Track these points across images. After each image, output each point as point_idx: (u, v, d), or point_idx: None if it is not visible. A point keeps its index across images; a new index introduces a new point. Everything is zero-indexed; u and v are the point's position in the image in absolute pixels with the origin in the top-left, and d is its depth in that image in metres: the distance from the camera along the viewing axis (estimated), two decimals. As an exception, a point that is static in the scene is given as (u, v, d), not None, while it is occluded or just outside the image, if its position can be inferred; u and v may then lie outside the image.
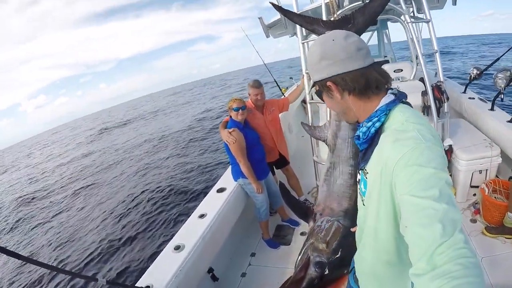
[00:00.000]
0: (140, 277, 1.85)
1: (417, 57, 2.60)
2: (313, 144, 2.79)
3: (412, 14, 2.77)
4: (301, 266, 1.77)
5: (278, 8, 2.15)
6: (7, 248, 1.23)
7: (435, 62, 2.57)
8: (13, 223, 8.58)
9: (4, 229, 8.41)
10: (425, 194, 0.58)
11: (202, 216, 2.34)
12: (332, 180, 2.04)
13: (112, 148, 16.28)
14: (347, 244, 1.88)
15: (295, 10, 2.63)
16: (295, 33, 2.64)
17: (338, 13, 2.22)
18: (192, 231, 2.18)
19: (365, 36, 5.40)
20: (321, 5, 2.36)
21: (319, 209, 2.12)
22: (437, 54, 2.53)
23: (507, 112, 2.88)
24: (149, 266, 1.93)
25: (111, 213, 6.97)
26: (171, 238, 2.18)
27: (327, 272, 1.72)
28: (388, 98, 0.81)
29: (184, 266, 1.87)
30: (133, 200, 7.30)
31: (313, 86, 0.94)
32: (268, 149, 2.90)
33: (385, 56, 5.11)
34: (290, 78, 6.13)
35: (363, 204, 0.89)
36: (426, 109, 2.51)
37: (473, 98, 3.34)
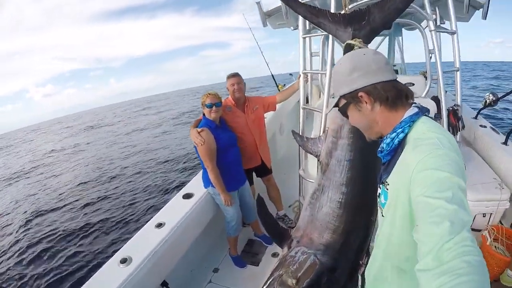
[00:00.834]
0: None
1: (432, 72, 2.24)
2: (301, 155, 2.42)
3: (435, 23, 2.40)
4: None
5: None
6: None
7: (455, 81, 2.23)
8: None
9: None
10: (438, 195, 0.60)
11: (159, 225, 2.01)
12: (317, 206, 1.74)
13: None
14: (318, 286, 1.61)
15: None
16: (297, 26, 2.24)
17: (350, 6, 1.82)
18: (144, 243, 1.85)
19: (375, 42, 5.01)
20: None
21: (297, 235, 1.82)
22: (458, 72, 2.18)
23: None
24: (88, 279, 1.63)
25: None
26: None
27: None
28: (412, 110, 0.83)
29: (130, 281, 1.58)
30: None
31: (339, 100, 0.93)
32: (249, 153, 2.53)
33: (394, 65, 4.73)
34: (290, 74, 5.67)
35: (382, 215, 0.90)
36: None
37: (485, 127, 3.01)
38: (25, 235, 5.60)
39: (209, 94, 2.14)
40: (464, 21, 2.99)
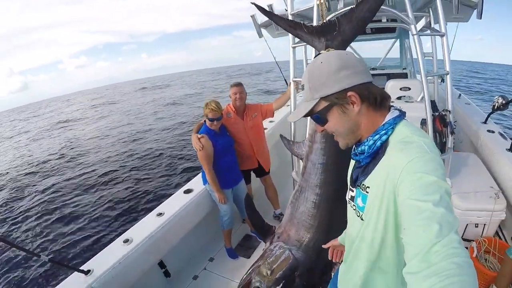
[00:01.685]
0: (84, 262, 1.94)
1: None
2: (293, 158, 2.56)
3: (429, 25, 2.36)
4: (242, 287, 1.73)
5: (262, 10, 1.91)
6: None
7: (445, 85, 2.18)
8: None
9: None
10: (426, 198, 0.60)
11: (160, 214, 2.35)
12: (296, 205, 1.89)
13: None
14: (290, 279, 1.74)
15: (289, 11, 2.35)
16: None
17: (328, 18, 1.92)
18: (145, 227, 2.21)
19: (386, 45, 4.88)
20: (312, 7, 2.06)
21: (279, 231, 2.01)
22: (448, 76, 2.13)
23: None
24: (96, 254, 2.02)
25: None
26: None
27: None
28: (393, 113, 0.82)
29: (129, 256, 1.94)
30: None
31: (317, 103, 0.83)
32: (246, 156, 2.74)
33: (404, 69, 4.54)
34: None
35: (362, 219, 0.86)
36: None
37: (493, 132, 2.84)
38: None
39: (211, 108, 2.31)
40: (463, 21, 2.87)
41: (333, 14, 2.01)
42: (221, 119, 2.42)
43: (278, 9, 2.63)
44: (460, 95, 4.18)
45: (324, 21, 1.81)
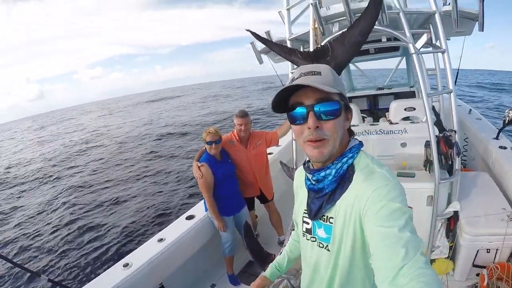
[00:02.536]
0: (83, 284, 1.98)
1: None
2: None
3: (430, 41, 2.29)
4: None
5: (257, 36, 1.90)
6: None
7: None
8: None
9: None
10: (391, 224, 0.63)
11: (160, 240, 2.34)
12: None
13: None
14: None
15: (287, 36, 2.34)
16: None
17: (323, 42, 1.91)
18: (145, 252, 2.21)
19: (392, 62, 4.80)
20: (308, 32, 2.04)
21: None
22: (451, 94, 2.05)
23: None
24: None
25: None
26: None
27: None
28: (355, 141, 0.84)
29: (128, 280, 1.95)
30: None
31: (339, 95, 0.78)
32: (248, 184, 2.71)
33: (411, 87, 4.42)
34: None
35: (328, 250, 0.85)
36: (428, 163, 2.07)
37: (505, 148, 2.72)
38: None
39: (209, 132, 2.33)
40: (466, 35, 2.79)
41: (327, 39, 1.99)
42: (220, 143, 2.39)
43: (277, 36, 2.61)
44: (470, 110, 4.06)
45: (318, 46, 1.79)
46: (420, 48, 2.41)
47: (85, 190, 8.61)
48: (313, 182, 0.84)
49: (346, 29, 1.51)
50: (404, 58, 4.55)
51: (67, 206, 7.46)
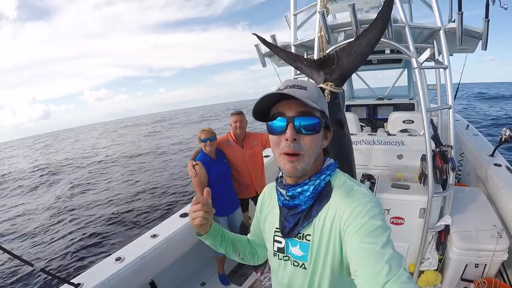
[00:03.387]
0: (75, 275, 1.98)
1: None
2: None
3: (433, 56, 2.32)
4: None
5: (263, 40, 1.92)
6: None
7: (448, 119, 2.13)
8: None
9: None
10: (374, 240, 0.64)
11: (154, 236, 2.35)
12: None
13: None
14: None
15: (292, 42, 2.36)
16: None
17: (328, 50, 1.93)
18: (138, 247, 2.22)
19: (395, 74, 4.86)
20: (313, 39, 2.06)
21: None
22: (450, 110, 2.08)
23: None
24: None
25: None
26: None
27: None
28: (329, 160, 0.85)
29: (120, 274, 1.96)
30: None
31: (321, 112, 0.79)
32: (244, 184, 2.73)
33: (411, 99, 4.47)
34: None
35: (305, 268, 0.84)
36: (423, 177, 2.10)
37: (500, 165, 2.76)
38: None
39: (203, 130, 2.40)
40: (469, 52, 2.83)
41: (333, 47, 2.01)
42: (214, 140, 2.42)
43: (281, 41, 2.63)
44: (468, 125, 4.11)
45: (324, 54, 1.80)
46: (423, 62, 2.44)
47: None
48: (287, 198, 0.83)
49: (353, 40, 1.54)
50: (406, 70, 4.62)
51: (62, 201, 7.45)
